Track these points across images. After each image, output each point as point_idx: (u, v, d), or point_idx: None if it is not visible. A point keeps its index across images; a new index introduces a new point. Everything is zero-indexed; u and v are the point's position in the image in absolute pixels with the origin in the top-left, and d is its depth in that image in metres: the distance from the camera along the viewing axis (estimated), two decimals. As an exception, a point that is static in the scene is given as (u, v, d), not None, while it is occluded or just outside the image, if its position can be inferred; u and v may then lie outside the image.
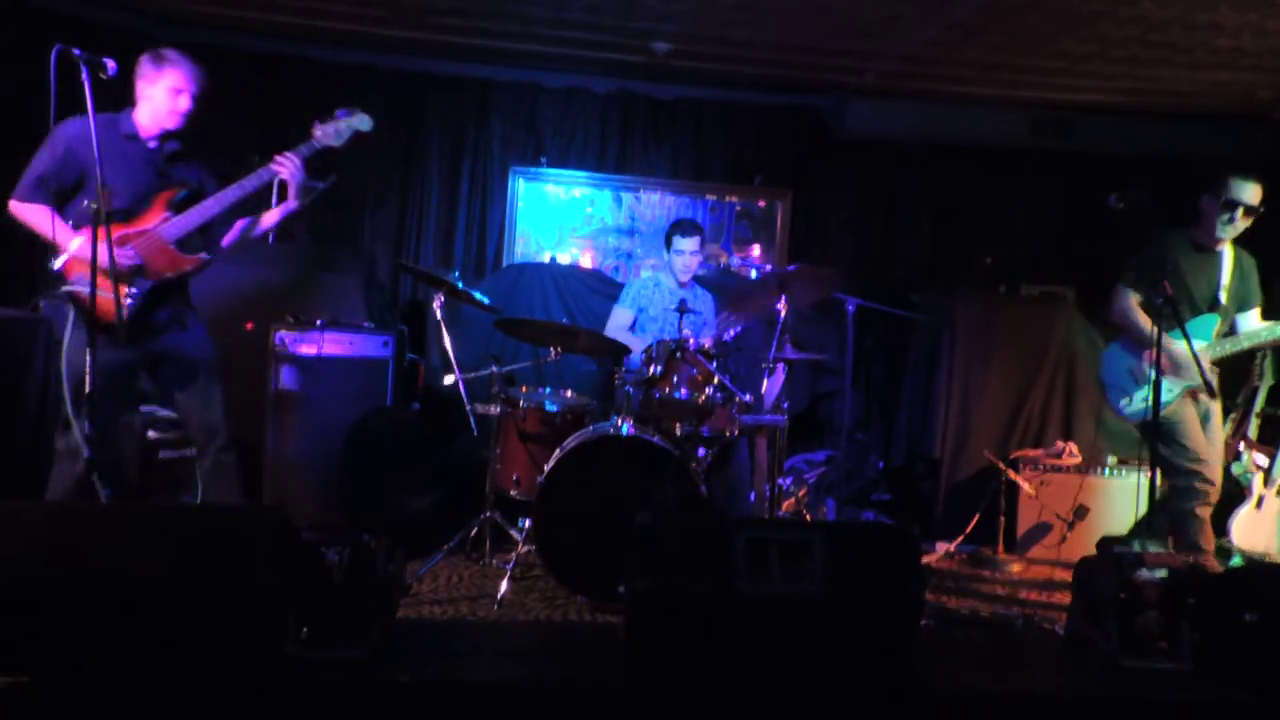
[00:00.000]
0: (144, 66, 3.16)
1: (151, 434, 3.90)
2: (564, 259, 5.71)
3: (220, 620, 2.21)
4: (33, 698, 2.14)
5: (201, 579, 2.23)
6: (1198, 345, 3.61)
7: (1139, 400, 3.65)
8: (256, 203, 3.48)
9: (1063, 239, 6.05)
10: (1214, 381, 3.60)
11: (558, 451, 3.63)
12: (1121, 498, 4.59)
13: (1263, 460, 4.38)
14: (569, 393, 4.30)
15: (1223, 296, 3.71)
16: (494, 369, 3.88)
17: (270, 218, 3.52)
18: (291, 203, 3.44)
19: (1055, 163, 5.92)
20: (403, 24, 4.99)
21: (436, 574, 3.74)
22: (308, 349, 4.12)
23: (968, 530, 4.63)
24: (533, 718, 2.30)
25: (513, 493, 3.95)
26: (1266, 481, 4.32)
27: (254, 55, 5.31)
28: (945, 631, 3.37)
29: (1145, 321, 3.63)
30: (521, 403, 3.97)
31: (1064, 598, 3.88)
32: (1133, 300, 3.71)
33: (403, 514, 3.97)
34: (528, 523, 3.73)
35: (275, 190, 3.85)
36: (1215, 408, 3.76)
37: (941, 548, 4.62)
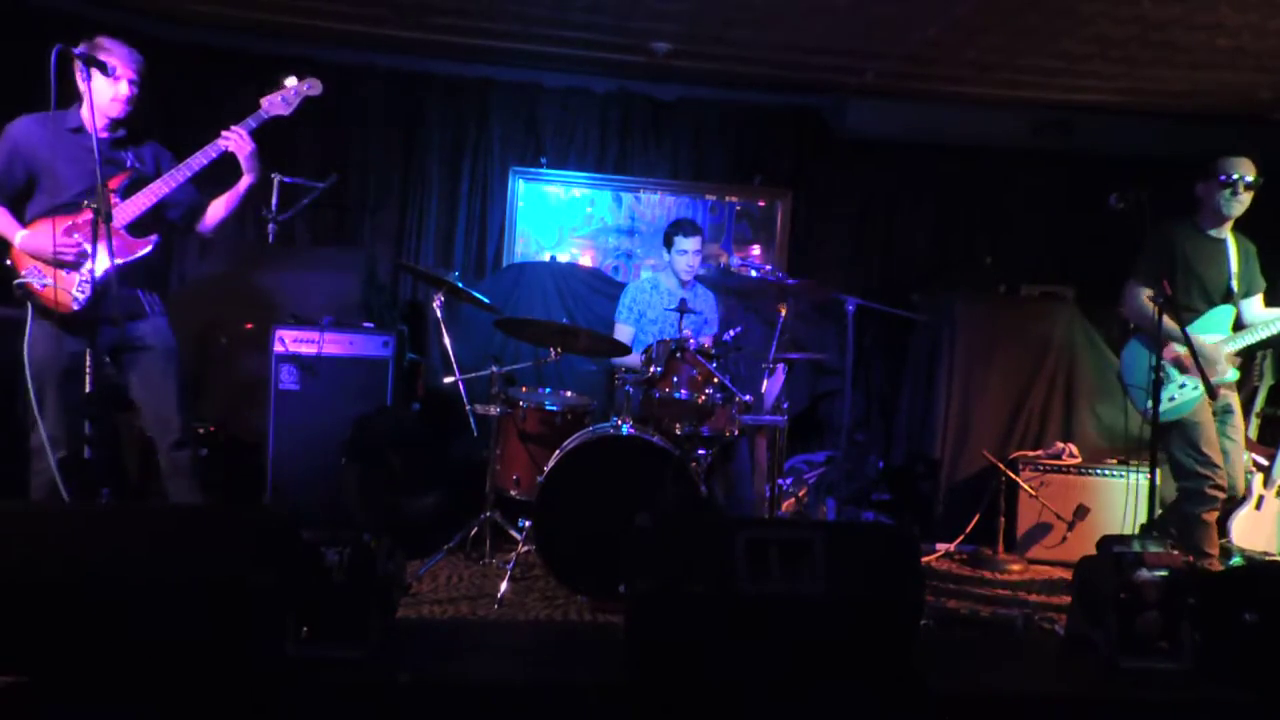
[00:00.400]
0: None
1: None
2: (564, 259, 5.71)
3: (220, 620, 2.21)
4: (33, 698, 2.14)
5: (201, 579, 2.22)
6: (1215, 339, 3.61)
7: (1164, 401, 3.51)
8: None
9: (1063, 239, 6.04)
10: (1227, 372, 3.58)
11: (558, 452, 3.63)
12: (1121, 498, 4.59)
13: (1263, 460, 4.39)
14: (569, 393, 4.31)
15: (1235, 285, 3.68)
16: (494, 369, 3.88)
17: (229, 198, 3.42)
18: (247, 176, 3.35)
19: (1055, 163, 5.91)
20: (403, 24, 4.99)
21: (436, 574, 3.75)
22: (308, 348, 4.13)
23: (968, 530, 4.63)
24: (533, 718, 2.29)
25: (513, 493, 3.96)
26: (1266, 482, 4.32)
27: (254, 55, 5.30)
28: (945, 631, 3.37)
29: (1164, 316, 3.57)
30: (521, 403, 3.97)
31: (1064, 598, 3.88)
32: (1145, 296, 3.62)
33: (403, 514, 3.97)
34: (528, 523, 3.73)
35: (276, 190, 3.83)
36: (1235, 400, 3.72)
37: (941, 548, 4.62)
